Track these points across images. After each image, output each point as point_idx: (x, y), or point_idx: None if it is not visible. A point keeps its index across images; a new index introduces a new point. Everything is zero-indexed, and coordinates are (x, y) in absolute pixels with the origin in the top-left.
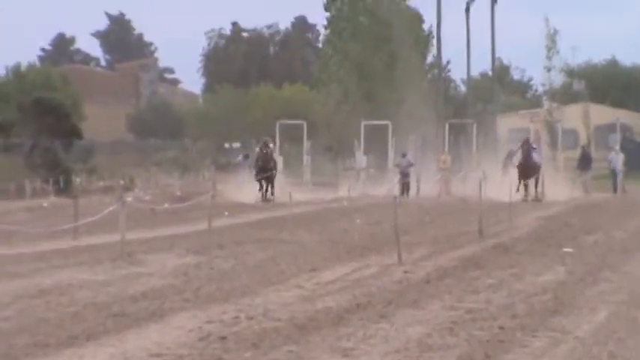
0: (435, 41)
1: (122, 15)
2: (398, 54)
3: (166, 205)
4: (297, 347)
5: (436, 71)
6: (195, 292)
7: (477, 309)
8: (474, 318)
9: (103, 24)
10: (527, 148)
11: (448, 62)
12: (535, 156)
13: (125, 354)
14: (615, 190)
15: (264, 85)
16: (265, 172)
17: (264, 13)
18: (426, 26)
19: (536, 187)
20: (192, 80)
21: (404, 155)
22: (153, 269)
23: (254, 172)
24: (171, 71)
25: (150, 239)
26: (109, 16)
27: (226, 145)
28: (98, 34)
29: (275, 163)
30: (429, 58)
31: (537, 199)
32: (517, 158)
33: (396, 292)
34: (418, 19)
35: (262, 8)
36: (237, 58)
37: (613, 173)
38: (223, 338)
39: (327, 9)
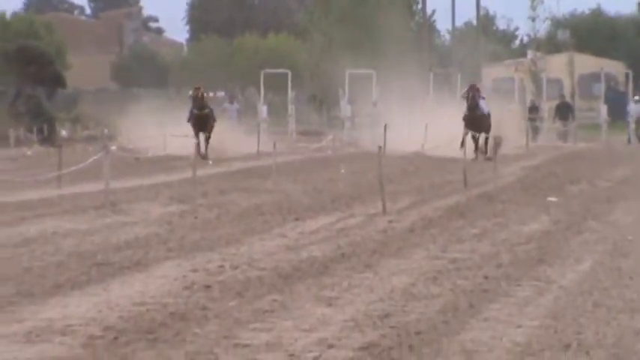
0: None
1: None
2: (382, 2)
3: (150, 154)
4: (282, 296)
5: (421, 20)
6: (180, 241)
7: (462, 258)
8: (458, 267)
9: None
10: (472, 95)
11: (433, 12)
12: (483, 105)
13: (109, 303)
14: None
15: (249, 35)
16: (201, 122)
17: None
18: None
19: (486, 142)
20: (176, 29)
21: (374, 104)
22: (137, 218)
23: (190, 124)
24: (156, 20)
25: (134, 188)
26: None
27: (210, 94)
28: None
29: (211, 110)
30: (414, 7)
31: (488, 158)
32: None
33: (380, 242)
34: None
35: None
36: (222, 6)
37: (636, 123)
38: (208, 287)
39: None
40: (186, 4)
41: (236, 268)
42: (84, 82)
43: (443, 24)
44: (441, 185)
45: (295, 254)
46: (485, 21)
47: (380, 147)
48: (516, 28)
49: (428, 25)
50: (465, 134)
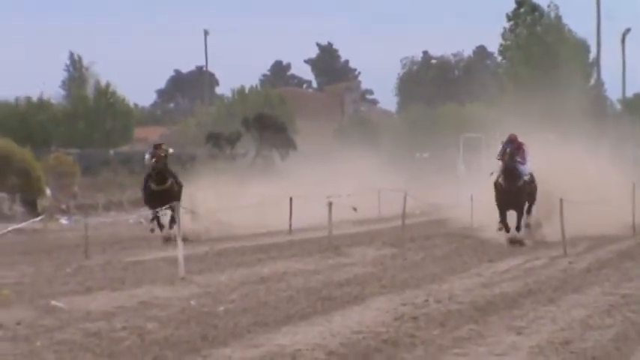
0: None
1: (330, 45)
2: (563, 77)
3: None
4: (478, 326)
5: (596, 92)
6: (391, 279)
7: (631, 294)
8: (628, 302)
9: (314, 52)
10: (510, 153)
11: (604, 84)
12: (521, 168)
13: (332, 331)
14: None
15: (449, 104)
16: (160, 200)
17: (450, 42)
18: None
19: (528, 213)
20: (388, 100)
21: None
22: (355, 260)
23: (143, 194)
24: (371, 92)
25: (352, 234)
26: (320, 46)
27: (417, 155)
28: (310, 61)
29: (175, 178)
30: (590, 80)
31: (530, 237)
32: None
33: (561, 280)
34: (583, 47)
35: (449, 38)
36: (427, 80)
37: None
38: (415, 318)
39: (504, 38)
40: (397, 78)
41: (439, 302)
42: (310, 145)
43: (613, 94)
44: (613, 232)
45: (489, 290)
46: None
47: (561, 199)
48: None
49: (601, 96)
50: (501, 214)
